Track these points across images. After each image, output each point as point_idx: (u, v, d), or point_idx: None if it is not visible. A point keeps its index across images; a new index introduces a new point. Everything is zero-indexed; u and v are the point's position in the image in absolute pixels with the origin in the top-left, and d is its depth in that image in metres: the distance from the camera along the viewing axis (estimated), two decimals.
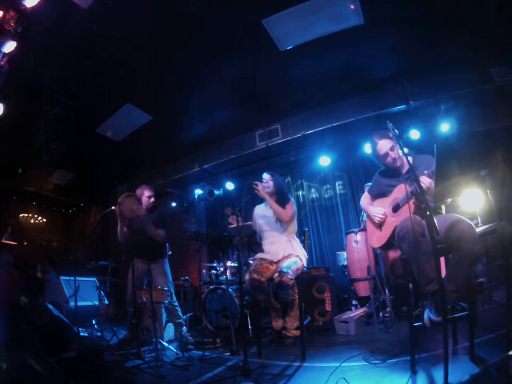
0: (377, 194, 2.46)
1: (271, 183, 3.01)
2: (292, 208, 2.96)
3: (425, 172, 1.99)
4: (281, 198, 2.97)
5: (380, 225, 2.36)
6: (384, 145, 2.30)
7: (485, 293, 2.94)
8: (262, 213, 3.08)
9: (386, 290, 3.43)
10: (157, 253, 3.44)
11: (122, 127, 4.89)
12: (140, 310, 3.14)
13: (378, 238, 2.36)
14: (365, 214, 3.99)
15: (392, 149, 2.29)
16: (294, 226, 3.01)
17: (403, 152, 2.02)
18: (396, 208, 2.25)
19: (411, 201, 2.03)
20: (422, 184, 1.90)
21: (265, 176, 3.07)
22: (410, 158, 2.30)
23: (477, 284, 3.01)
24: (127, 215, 3.11)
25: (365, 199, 2.56)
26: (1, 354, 1.75)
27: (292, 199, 3.09)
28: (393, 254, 3.30)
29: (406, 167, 2.30)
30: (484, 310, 2.72)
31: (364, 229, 3.98)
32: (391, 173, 2.38)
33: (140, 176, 6.44)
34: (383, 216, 2.31)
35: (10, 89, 3.26)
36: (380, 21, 3.33)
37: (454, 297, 1.75)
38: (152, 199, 3.50)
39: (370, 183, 2.69)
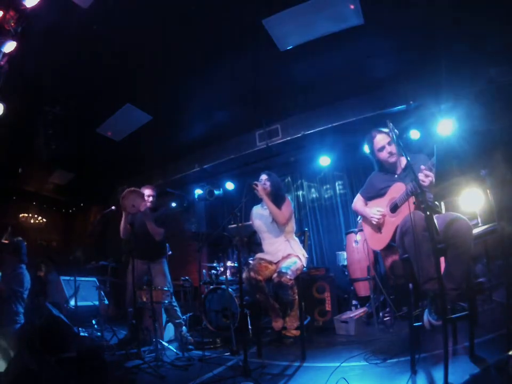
0: (372, 196, 2.42)
1: (268, 184, 3.00)
2: (288, 208, 2.92)
3: (422, 166, 1.93)
4: (276, 197, 2.95)
5: (379, 227, 2.30)
6: (382, 139, 2.33)
7: (485, 293, 2.94)
8: (259, 213, 3.08)
9: (386, 290, 3.43)
10: (156, 253, 3.44)
11: (122, 127, 4.89)
12: (140, 310, 3.14)
13: (379, 241, 2.31)
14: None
15: (389, 143, 2.30)
16: (292, 225, 2.99)
17: (401, 148, 1.96)
18: (394, 208, 2.22)
19: (411, 200, 1.98)
20: (423, 180, 1.89)
21: (263, 176, 3.07)
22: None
23: (477, 284, 3.01)
24: (128, 209, 3.12)
25: (358, 202, 2.53)
26: (8, 354, 1.76)
27: (289, 198, 3.08)
28: (395, 257, 3.27)
29: (402, 167, 2.30)
30: (483, 310, 2.72)
31: (362, 229, 3.98)
32: (386, 171, 2.38)
33: (140, 176, 6.43)
34: (381, 217, 2.26)
35: (10, 89, 3.26)
36: (380, 21, 3.33)
37: (453, 295, 1.74)
38: (151, 199, 3.48)
39: None
